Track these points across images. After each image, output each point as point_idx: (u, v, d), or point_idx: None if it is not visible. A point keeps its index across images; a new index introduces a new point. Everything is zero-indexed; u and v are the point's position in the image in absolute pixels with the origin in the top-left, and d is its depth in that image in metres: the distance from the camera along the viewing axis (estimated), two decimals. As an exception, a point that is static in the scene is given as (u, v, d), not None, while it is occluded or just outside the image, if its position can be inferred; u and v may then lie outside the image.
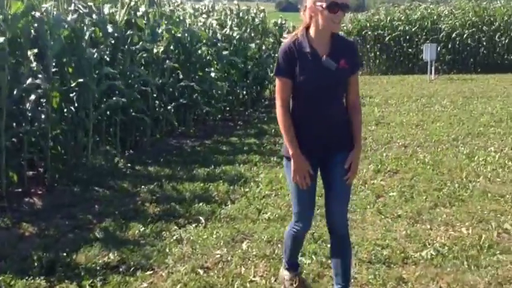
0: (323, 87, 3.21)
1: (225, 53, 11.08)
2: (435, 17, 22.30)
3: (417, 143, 8.40)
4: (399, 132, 9.23)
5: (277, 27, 15.41)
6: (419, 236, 4.61)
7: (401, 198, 5.72)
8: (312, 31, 3.21)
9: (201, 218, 5.18)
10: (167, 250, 4.43)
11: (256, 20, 14.12)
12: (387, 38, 22.45)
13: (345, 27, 23.40)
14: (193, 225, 5.04)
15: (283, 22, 15.68)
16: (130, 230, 4.89)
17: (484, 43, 21.27)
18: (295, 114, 3.27)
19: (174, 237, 4.70)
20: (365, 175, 6.66)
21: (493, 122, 9.93)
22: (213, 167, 7.13)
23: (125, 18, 7.92)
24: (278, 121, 3.27)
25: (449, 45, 21.59)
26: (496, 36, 21.10)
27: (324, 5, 3.07)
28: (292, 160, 3.23)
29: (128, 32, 7.93)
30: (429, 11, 22.83)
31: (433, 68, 18.42)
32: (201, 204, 5.60)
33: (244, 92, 12.79)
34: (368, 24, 23.10)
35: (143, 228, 4.89)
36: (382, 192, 6.00)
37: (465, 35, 21.36)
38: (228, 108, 12.14)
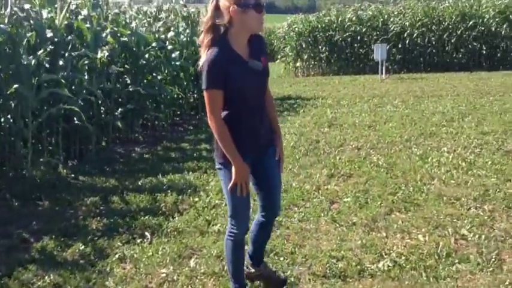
0: (255, 89, 3.25)
1: (173, 56, 10.79)
2: (385, 17, 22.44)
3: (370, 145, 8.28)
4: (352, 134, 9.10)
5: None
6: (375, 245, 4.43)
7: (356, 204, 5.55)
8: (232, 35, 3.14)
9: (146, 233, 4.89)
10: (108, 270, 4.13)
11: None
12: (338, 39, 22.48)
13: (296, 29, 23.37)
14: (138, 240, 4.75)
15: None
16: (70, 249, 4.56)
17: (433, 42, 21.51)
18: (230, 121, 3.19)
19: (117, 256, 4.39)
20: (318, 180, 6.48)
21: (444, 121, 9.90)
22: (161, 175, 6.83)
23: (65, 22, 7.54)
24: (214, 132, 3.18)
25: (400, 45, 21.76)
26: (445, 36, 21.37)
27: (251, 5, 3.06)
28: (233, 167, 3.19)
29: (69, 37, 7.56)
30: (379, 11, 22.97)
31: (383, 68, 18.50)
32: (147, 217, 5.31)
33: (196, 96, 12.49)
34: (319, 25, 23.07)
35: (83, 247, 4.57)
36: (336, 198, 5.82)
37: (415, 35, 21.56)
38: (178, 113, 11.84)
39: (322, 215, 5.30)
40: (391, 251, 4.32)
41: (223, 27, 3.13)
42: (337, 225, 5.00)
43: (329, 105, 12.71)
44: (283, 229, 4.91)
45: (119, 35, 8.90)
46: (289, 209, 5.52)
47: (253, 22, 3.12)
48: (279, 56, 24.62)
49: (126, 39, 9.01)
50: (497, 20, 20.91)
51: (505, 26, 20.65)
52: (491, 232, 4.64)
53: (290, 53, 23.61)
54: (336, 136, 8.98)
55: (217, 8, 3.11)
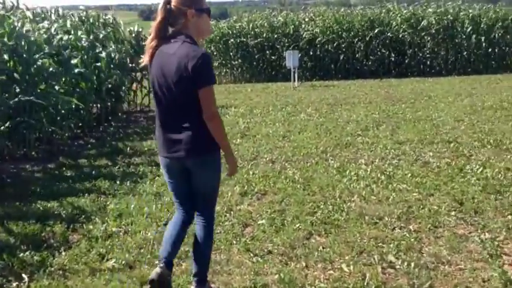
0: None
1: (72, 63, 9.87)
2: (296, 24, 22.26)
3: (285, 158, 7.79)
4: (266, 146, 8.59)
5: (133, 35, 14.32)
6: (294, 279, 3.88)
7: (272, 227, 5.00)
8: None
9: (24, 275, 4.09)
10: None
11: (109, 27, 12.96)
12: (250, 45, 22.07)
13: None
14: (14, 284, 3.95)
15: (140, 30, 14.60)
16: None
17: (344, 49, 21.54)
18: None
19: (-16, 307, 3.60)
20: (230, 199, 5.89)
21: (359, 130, 9.60)
22: (52, 199, 6.00)
23: None
24: (219, 125, 3.40)
25: (311, 52, 21.62)
26: (355, 43, 21.45)
27: (205, 9, 3.40)
28: (233, 158, 3.51)
29: None
30: (290, 17, 22.77)
31: (296, 75, 18.23)
32: (28, 252, 4.50)
33: (99, 106, 11.59)
34: (230, 32, 22.56)
35: None
36: (249, 221, 5.25)
37: (326, 42, 21.51)
38: (80, 125, 10.89)
39: (235, 242, 4.71)
40: (313, 286, 3.78)
41: (174, 31, 3.39)
42: (251, 254, 4.42)
43: (241, 114, 12.17)
44: (189, 261, 4.26)
45: (6, 40, 7.94)
46: (197, 235, 4.88)
47: (206, 26, 3.48)
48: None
49: (12, 43, 8.05)
50: (403, 27, 21.23)
51: (411, 32, 20.97)
52: (421, 258, 4.21)
53: (201, 60, 22.95)
54: (249, 148, 8.43)
55: (169, 12, 3.34)
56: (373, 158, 7.52)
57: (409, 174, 6.58)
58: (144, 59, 3.47)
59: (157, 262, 3.77)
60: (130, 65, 13.99)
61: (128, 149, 8.87)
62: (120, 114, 13.14)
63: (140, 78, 14.31)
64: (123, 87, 12.99)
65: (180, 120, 3.40)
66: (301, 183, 6.43)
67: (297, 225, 5.00)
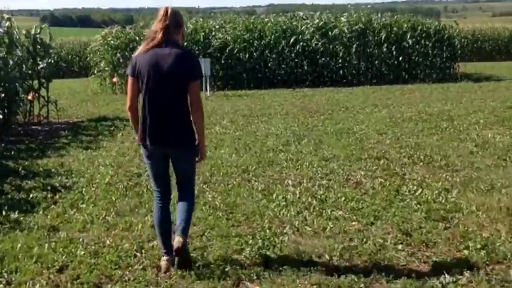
0: None
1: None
2: (207, 31, 21.44)
3: (203, 178, 6.93)
4: (180, 164, 7.68)
5: (29, 39, 12.95)
6: None
7: (192, 272, 4.13)
8: None
9: None
10: None
11: (1, 29, 11.57)
12: (158, 53, 21.00)
13: (111, 41, 21.43)
14: None
15: (38, 32, 13.23)
16: None
17: (256, 58, 20.95)
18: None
19: None
20: (141, 233, 4.98)
21: (280, 145, 8.90)
22: None
23: None
24: (202, 117, 4.13)
25: (222, 60, 20.86)
26: (267, 51, 20.91)
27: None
28: (202, 146, 4.23)
29: None
30: (200, 24, 21.91)
31: (208, 85, 17.42)
32: None
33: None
34: (137, 38, 21.36)
35: None
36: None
37: (237, 50, 20.83)
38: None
39: (146, 294, 3.80)
40: None
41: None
42: (168, 314, 3.53)
43: (151, 127, 11.17)
44: None
45: None
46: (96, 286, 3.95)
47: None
48: (95, 71, 22.29)
49: None
50: (316, 36, 20.94)
51: (323, 41, 20.71)
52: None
53: (106, 68, 21.56)
54: (161, 167, 7.49)
55: (179, 25, 4.16)
56: (300, 178, 6.81)
57: (343, 198, 5.91)
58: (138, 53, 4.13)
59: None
60: (26, 71, 12.66)
61: (20, 168, 7.69)
62: (13, 127, 11.76)
63: (38, 87, 12.98)
64: (18, 97, 11.67)
65: (171, 110, 4.04)
66: (223, 211, 5.61)
67: (221, 271, 4.15)
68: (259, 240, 4.72)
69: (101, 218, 5.43)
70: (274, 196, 6.04)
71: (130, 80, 4.15)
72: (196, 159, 4.22)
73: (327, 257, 4.33)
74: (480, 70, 24.11)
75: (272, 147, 8.79)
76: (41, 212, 5.69)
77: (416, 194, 5.96)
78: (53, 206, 5.92)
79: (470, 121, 10.69)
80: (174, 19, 4.10)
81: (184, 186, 4.27)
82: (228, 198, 6.06)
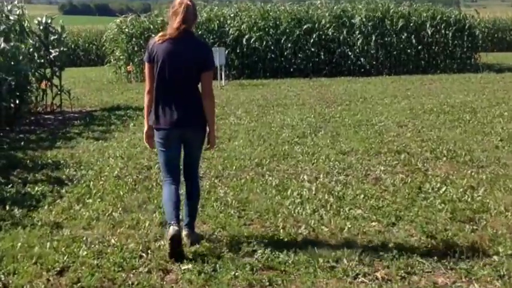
0: None
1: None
2: (221, 19, 21.09)
3: (215, 172, 6.66)
4: (192, 157, 7.41)
5: (41, 27, 12.72)
6: None
7: (201, 276, 3.85)
8: None
9: None
10: None
11: (12, 17, 11.35)
12: (173, 41, 20.71)
13: (126, 30, 21.18)
14: None
15: (49, 21, 12.98)
16: None
17: (272, 47, 20.57)
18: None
19: None
20: (148, 232, 4.70)
21: (296, 137, 8.59)
22: None
23: None
24: (214, 105, 4.42)
25: (238, 49, 20.51)
26: (282, 40, 20.51)
27: None
28: (215, 133, 4.48)
29: None
30: (215, 13, 21.55)
31: (223, 74, 17.12)
32: None
33: None
34: (151, 26, 21.09)
35: None
36: (171, 265, 4.09)
37: (253, 39, 20.46)
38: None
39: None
40: None
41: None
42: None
43: (164, 117, 10.92)
44: None
45: None
46: (101, 292, 3.69)
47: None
48: (111, 59, 22.04)
49: None
50: (334, 25, 20.49)
51: (343, 31, 20.27)
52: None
53: (121, 56, 21.33)
54: (172, 160, 7.23)
55: (195, 16, 4.34)
56: (317, 173, 6.50)
57: (362, 195, 5.60)
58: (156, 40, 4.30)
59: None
60: (38, 60, 12.46)
61: (28, 161, 7.47)
62: (25, 116, 11.57)
63: (50, 75, 12.77)
64: (30, 86, 11.48)
65: (187, 97, 4.24)
66: (235, 208, 5.33)
67: (233, 273, 3.88)
68: (272, 241, 4.43)
69: (107, 215, 5.17)
70: (289, 192, 5.74)
71: (147, 65, 4.32)
72: (208, 146, 4.45)
73: (345, 261, 4.02)
74: (502, 61, 23.54)
75: (287, 139, 8.49)
76: (46, 207, 5.45)
77: (440, 192, 5.62)
78: (58, 200, 5.68)
79: (494, 113, 10.30)
80: (192, 11, 4.24)
81: (189, 173, 4.46)
82: (240, 194, 5.77)
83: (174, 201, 4.30)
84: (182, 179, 4.50)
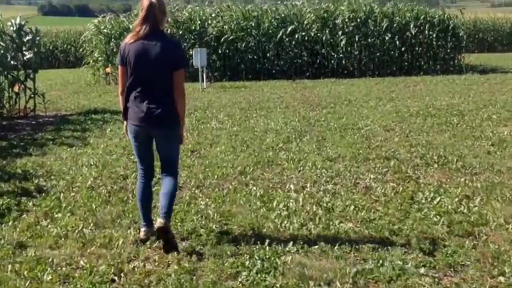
0: None
1: None
2: (203, 19, 20.65)
3: (196, 182, 6.27)
4: (171, 165, 7.00)
5: (13, 29, 12.19)
6: None
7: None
8: None
9: None
10: None
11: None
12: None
13: (104, 30, 20.69)
14: None
15: (23, 23, 12.47)
16: None
17: (254, 48, 20.19)
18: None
19: None
20: (121, 252, 4.29)
21: (281, 143, 8.23)
22: None
23: None
24: (185, 104, 4.42)
25: (219, 50, 20.08)
26: (264, 41, 20.12)
27: None
28: (183, 128, 4.50)
29: None
30: (196, 12, 21.08)
31: (204, 75, 16.71)
32: None
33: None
34: (131, 27, 20.60)
35: None
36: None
37: (234, 39, 20.05)
38: None
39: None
40: None
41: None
42: None
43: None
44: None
45: None
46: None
47: None
48: (90, 61, 21.45)
49: None
50: (318, 25, 20.17)
51: (326, 32, 19.96)
52: None
53: (99, 58, 20.79)
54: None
55: (164, 14, 4.34)
56: (303, 182, 6.15)
57: (352, 206, 5.25)
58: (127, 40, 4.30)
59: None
60: (12, 62, 11.96)
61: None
62: (-5, 121, 11.08)
63: (24, 78, 12.26)
64: (1, 89, 11.01)
65: (157, 95, 4.25)
66: (217, 222, 4.95)
67: (216, 301, 3.50)
68: (258, 261, 4.06)
69: (77, 231, 4.75)
70: (274, 204, 5.37)
71: (120, 68, 4.40)
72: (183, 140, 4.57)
73: (338, 284, 3.66)
74: (484, 61, 23.43)
75: (272, 144, 8.12)
76: (10, 223, 5.01)
77: (434, 202, 5.29)
78: (24, 215, 5.25)
79: (482, 116, 10.04)
80: (160, 10, 4.25)
81: (167, 169, 4.46)
82: (222, 206, 5.39)
83: (146, 204, 4.52)
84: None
